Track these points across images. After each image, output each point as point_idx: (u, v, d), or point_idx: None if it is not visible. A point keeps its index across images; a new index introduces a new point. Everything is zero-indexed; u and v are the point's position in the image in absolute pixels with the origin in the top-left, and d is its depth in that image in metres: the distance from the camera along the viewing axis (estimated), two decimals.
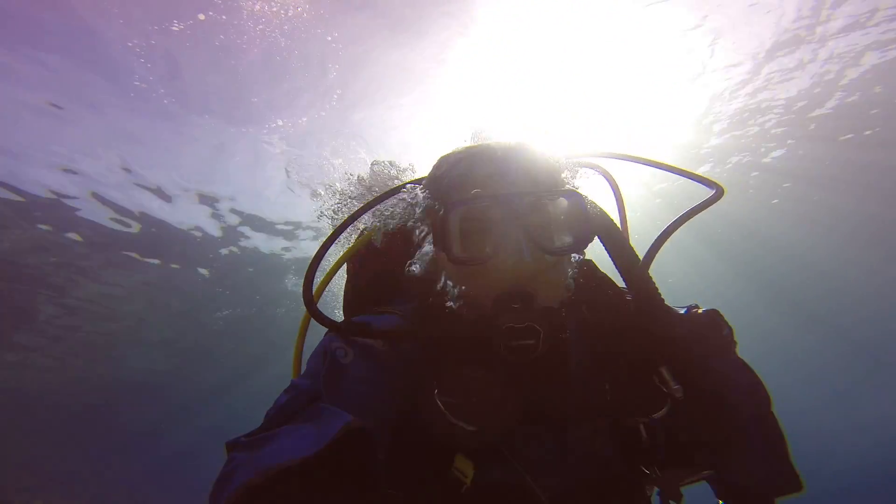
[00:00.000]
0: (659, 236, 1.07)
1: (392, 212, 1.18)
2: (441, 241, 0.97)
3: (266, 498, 0.63)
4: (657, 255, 1.07)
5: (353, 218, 1.17)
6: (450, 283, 1.02)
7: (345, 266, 1.38)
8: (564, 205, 0.98)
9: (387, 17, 5.73)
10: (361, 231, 1.32)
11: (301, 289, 1.03)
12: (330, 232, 1.16)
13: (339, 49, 5.97)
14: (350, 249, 1.28)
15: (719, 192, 1.09)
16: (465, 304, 1.00)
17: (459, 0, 5.59)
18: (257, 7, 5.22)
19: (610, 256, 1.14)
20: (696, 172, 1.18)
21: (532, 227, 0.93)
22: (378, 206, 1.16)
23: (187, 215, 9.39)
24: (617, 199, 1.33)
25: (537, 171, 0.99)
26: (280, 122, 7.15)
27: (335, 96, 6.75)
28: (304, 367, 1.01)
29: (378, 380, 0.93)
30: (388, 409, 0.92)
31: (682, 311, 1.11)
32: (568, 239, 0.98)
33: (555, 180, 1.02)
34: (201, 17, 5.37)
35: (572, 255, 1.05)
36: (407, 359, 0.98)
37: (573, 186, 1.11)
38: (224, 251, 10.72)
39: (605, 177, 1.31)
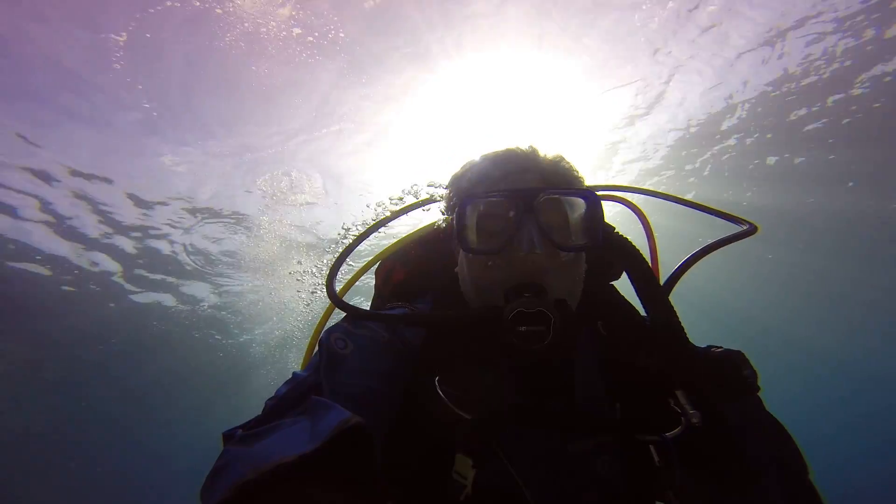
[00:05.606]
0: (684, 262, 1.06)
1: None
2: (457, 234, 0.99)
3: (260, 496, 0.58)
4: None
5: (378, 226, 1.24)
6: (466, 275, 1.04)
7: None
8: (580, 205, 1.00)
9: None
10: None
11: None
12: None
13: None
14: (375, 257, 1.31)
15: (752, 229, 1.10)
16: (479, 296, 1.00)
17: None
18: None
19: (630, 279, 1.13)
20: (729, 212, 1.18)
21: (546, 222, 0.95)
22: None
23: None
24: (646, 229, 1.35)
25: (556, 172, 1.03)
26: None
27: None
28: None
29: (377, 371, 0.91)
30: (386, 401, 0.89)
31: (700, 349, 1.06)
32: (581, 238, 0.98)
33: (572, 183, 1.04)
34: None
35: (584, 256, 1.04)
36: (410, 346, 0.98)
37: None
38: None
39: (632, 209, 1.33)
